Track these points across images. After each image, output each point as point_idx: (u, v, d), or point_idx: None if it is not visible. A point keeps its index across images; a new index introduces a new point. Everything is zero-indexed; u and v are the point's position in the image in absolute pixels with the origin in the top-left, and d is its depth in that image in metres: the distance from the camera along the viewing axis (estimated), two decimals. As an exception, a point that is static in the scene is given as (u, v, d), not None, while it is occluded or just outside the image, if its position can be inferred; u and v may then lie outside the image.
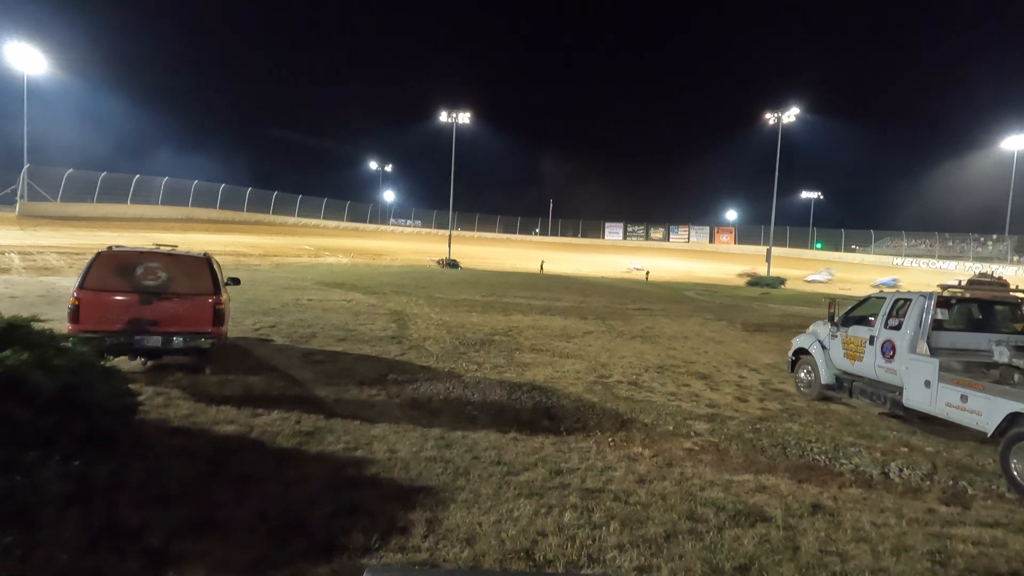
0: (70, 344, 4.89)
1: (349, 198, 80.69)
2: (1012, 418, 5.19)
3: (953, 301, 7.00)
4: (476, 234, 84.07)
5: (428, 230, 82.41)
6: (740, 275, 52.34)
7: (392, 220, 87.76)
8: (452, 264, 46.95)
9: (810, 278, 53.21)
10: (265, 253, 41.54)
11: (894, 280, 47.87)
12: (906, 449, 6.05)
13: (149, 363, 7.46)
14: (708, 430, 6.38)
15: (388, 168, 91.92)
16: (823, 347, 8.22)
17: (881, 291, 8.97)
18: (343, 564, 3.16)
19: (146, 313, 7.00)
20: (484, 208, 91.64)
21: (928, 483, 5.09)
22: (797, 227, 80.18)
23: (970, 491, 4.97)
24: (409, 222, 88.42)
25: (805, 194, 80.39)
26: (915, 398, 6.42)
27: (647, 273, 51.03)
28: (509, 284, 29.74)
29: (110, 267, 7.12)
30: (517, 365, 9.36)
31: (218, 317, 7.40)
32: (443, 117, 61.17)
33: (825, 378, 8.03)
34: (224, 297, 7.79)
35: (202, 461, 4.51)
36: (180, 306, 7.20)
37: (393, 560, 3.25)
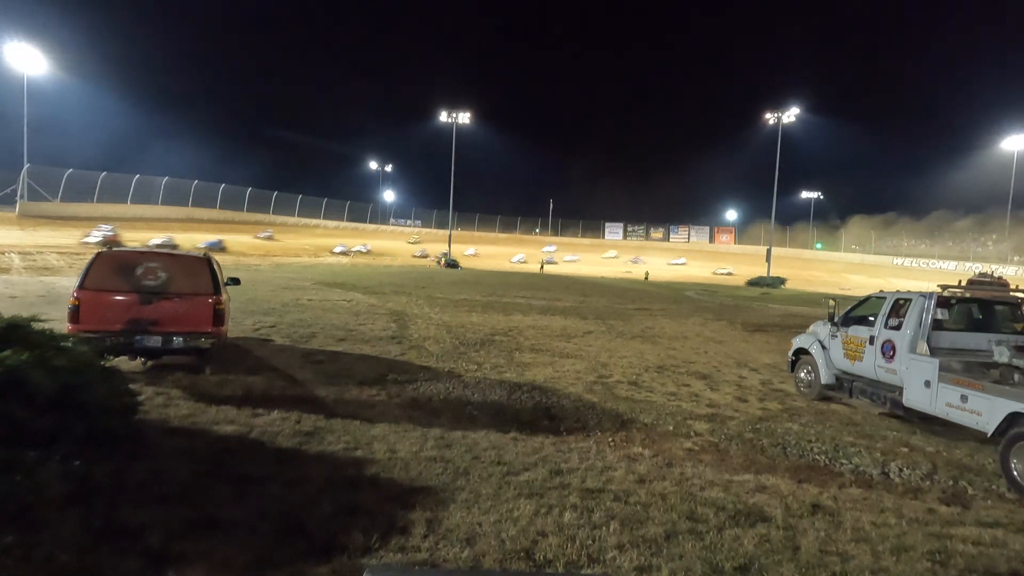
0: (70, 344, 4.88)
1: (349, 198, 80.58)
2: (1012, 418, 5.19)
3: (953, 301, 7.00)
4: (476, 234, 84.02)
5: (428, 230, 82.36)
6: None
7: (392, 220, 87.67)
8: (452, 264, 46.97)
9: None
10: (265, 253, 41.57)
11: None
12: (906, 449, 6.05)
13: (149, 363, 7.46)
14: (708, 430, 6.37)
15: (388, 168, 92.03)
16: (823, 347, 8.22)
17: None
18: (343, 564, 3.15)
19: (146, 313, 6.99)
20: (484, 208, 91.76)
21: (928, 483, 5.09)
22: (797, 227, 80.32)
23: (970, 491, 4.97)
24: (409, 222, 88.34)
25: (805, 194, 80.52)
26: (915, 398, 6.42)
27: (647, 273, 51.07)
28: (509, 284, 29.75)
29: (110, 267, 7.12)
30: (517, 365, 9.36)
31: (218, 317, 7.40)
32: (443, 117, 61.22)
33: (825, 378, 8.03)
34: (224, 297, 7.79)
35: (202, 461, 4.50)
36: (180, 306, 7.19)
37: (393, 560, 3.24)
